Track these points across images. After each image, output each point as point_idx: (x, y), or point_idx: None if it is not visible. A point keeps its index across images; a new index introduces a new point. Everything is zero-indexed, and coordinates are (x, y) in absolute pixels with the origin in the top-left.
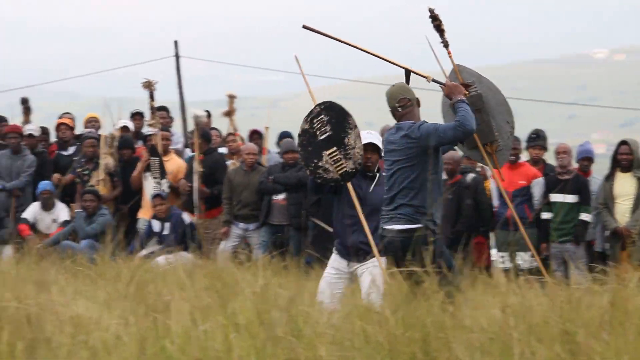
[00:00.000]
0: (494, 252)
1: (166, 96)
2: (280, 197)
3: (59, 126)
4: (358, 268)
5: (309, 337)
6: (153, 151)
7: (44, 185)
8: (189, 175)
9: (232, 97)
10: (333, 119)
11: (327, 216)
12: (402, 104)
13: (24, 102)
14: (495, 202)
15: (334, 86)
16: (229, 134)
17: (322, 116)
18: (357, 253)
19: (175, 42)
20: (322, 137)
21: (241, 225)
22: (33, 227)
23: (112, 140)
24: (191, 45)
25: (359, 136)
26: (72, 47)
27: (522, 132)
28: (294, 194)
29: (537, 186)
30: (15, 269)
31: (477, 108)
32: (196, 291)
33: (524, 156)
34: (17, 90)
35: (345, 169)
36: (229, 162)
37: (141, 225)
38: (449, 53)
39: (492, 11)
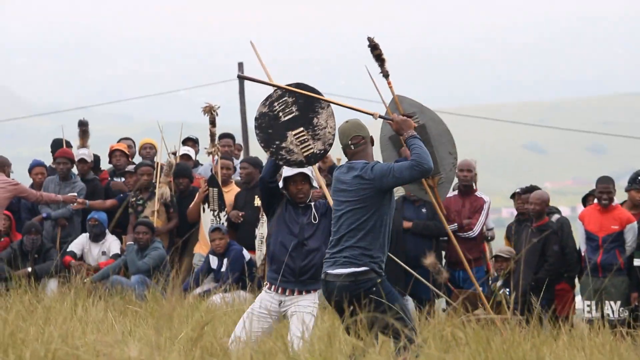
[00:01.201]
0: (578, 299)
1: (229, 121)
2: None
3: (113, 152)
4: (290, 307)
5: None
6: (212, 181)
7: (93, 213)
8: (246, 205)
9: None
10: (300, 99)
11: (398, 256)
12: (356, 141)
13: (82, 125)
14: (583, 246)
15: None
16: None
17: (284, 98)
18: (298, 280)
19: (240, 64)
20: (286, 118)
21: None
22: (80, 259)
23: (169, 169)
24: (256, 68)
25: (331, 115)
26: (131, 66)
27: (613, 169)
28: None
29: (631, 231)
30: (60, 305)
31: (421, 140)
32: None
33: (618, 197)
34: (68, 112)
35: (312, 150)
36: None
37: (197, 261)
38: (389, 83)
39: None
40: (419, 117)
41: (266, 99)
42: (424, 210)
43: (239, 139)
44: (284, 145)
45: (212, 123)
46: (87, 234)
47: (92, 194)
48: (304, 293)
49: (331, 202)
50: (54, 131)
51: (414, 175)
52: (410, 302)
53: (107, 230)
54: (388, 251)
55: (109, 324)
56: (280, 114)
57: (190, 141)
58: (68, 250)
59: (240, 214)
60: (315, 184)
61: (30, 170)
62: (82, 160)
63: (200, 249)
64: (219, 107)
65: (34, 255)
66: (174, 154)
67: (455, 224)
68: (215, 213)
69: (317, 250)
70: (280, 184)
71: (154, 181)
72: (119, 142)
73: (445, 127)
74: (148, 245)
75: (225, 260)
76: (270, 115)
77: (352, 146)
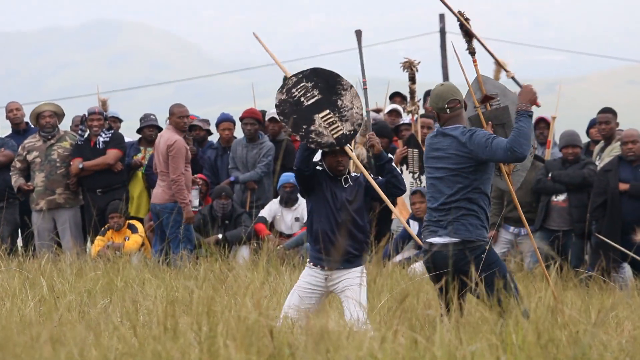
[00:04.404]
0: None
1: (429, 77)
2: (560, 198)
3: None
4: (338, 284)
5: None
6: (412, 141)
7: (287, 177)
8: None
9: (499, 65)
10: (320, 83)
11: (613, 220)
12: (452, 105)
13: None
14: None
15: (622, 69)
16: None
17: (302, 84)
18: (343, 259)
19: (441, 15)
20: (309, 102)
21: (512, 229)
22: (272, 226)
23: (365, 129)
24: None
25: (356, 96)
26: (324, 20)
27: None
28: (577, 195)
29: None
30: (252, 274)
31: (501, 122)
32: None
33: None
34: (258, 69)
35: (341, 132)
36: None
37: (395, 227)
38: (474, 62)
39: None
40: (500, 100)
41: (282, 87)
42: None
43: None
44: (312, 128)
45: (412, 79)
46: (279, 199)
47: (284, 155)
48: (350, 268)
49: (370, 179)
50: (244, 88)
51: (507, 160)
52: (627, 269)
53: (299, 195)
54: (604, 215)
55: None
56: (302, 98)
57: (399, 97)
58: (259, 215)
59: None
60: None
61: (217, 125)
62: (273, 120)
63: (400, 214)
64: (419, 63)
65: (224, 221)
66: (378, 111)
67: None
68: (415, 175)
69: (362, 227)
70: (318, 157)
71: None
72: None
73: None
74: None
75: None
76: (290, 102)
77: (448, 110)
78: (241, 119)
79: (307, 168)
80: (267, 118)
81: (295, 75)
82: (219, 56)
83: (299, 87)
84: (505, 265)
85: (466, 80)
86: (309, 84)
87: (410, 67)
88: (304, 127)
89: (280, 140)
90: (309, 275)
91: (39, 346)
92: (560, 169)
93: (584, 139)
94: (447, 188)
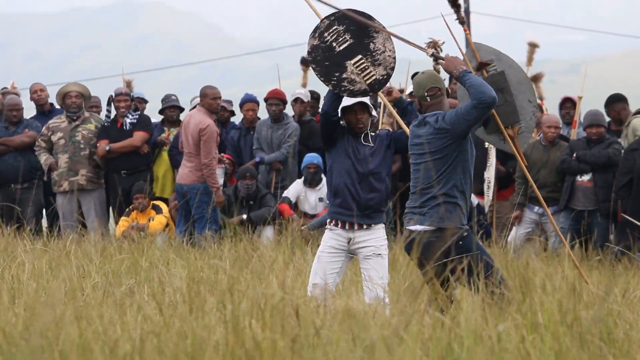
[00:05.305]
0: None
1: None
2: (585, 177)
3: None
4: (360, 248)
5: (622, 341)
6: None
7: (311, 158)
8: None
9: (533, 46)
10: (352, 26)
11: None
12: (432, 93)
13: (304, 62)
14: None
15: None
16: None
17: (335, 27)
18: (363, 213)
19: None
20: (341, 48)
21: (537, 209)
22: (296, 206)
23: (389, 110)
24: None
25: (388, 39)
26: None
27: None
28: (602, 175)
29: None
30: (276, 254)
31: (499, 87)
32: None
33: None
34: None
35: (374, 77)
36: None
37: None
38: (465, 31)
39: None
40: (496, 65)
41: (314, 31)
42: None
43: None
44: (344, 76)
45: (436, 60)
46: (302, 179)
47: (308, 136)
48: (372, 226)
49: (406, 129)
50: (268, 69)
51: (482, 110)
52: None
53: (323, 175)
54: (629, 195)
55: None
56: (334, 44)
57: None
58: (283, 196)
59: None
60: (374, 113)
61: (241, 106)
62: (298, 100)
63: None
64: (443, 43)
65: (249, 201)
66: (400, 91)
67: None
68: None
69: (382, 182)
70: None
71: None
72: None
73: (524, 74)
74: None
75: None
76: (323, 47)
77: (428, 98)
78: (266, 100)
79: (335, 112)
80: (291, 99)
81: (327, 17)
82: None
83: (330, 30)
84: (485, 250)
85: (459, 49)
86: (341, 27)
87: (435, 47)
88: (336, 74)
89: (305, 120)
90: (331, 239)
91: (64, 325)
92: (584, 149)
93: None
94: (427, 174)
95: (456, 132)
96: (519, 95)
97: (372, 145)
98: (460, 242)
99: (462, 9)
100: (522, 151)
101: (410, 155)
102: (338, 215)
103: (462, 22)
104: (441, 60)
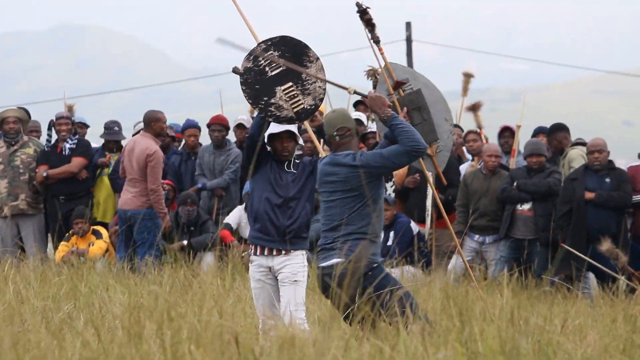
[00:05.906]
0: None
1: None
2: (525, 207)
3: None
4: (280, 271)
5: None
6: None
7: None
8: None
9: (468, 76)
10: (287, 53)
11: (579, 229)
12: (342, 133)
13: (235, 72)
14: None
15: (586, 78)
16: (470, 132)
17: (270, 52)
18: (283, 239)
19: (407, 23)
20: (273, 73)
21: (477, 237)
22: (237, 232)
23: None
24: (425, 28)
25: (321, 69)
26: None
27: None
28: (543, 204)
29: None
30: (217, 280)
31: (417, 106)
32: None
33: None
34: (224, 76)
35: (302, 106)
36: (466, 164)
37: None
38: (380, 50)
39: None
40: (412, 84)
41: (249, 54)
42: (607, 180)
43: None
44: (272, 101)
45: (376, 88)
46: (244, 206)
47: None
48: (291, 252)
49: (323, 154)
50: (209, 95)
51: (413, 159)
52: (592, 279)
53: None
54: (569, 224)
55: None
56: (267, 68)
57: (362, 105)
58: (224, 222)
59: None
60: (301, 141)
61: (183, 131)
62: (240, 126)
63: None
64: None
65: (190, 227)
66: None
67: None
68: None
69: (303, 208)
70: (265, 140)
71: None
72: None
73: (439, 94)
74: None
75: (391, 234)
76: (255, 70)
77: (337, 137)
78: (208, 126)
79: (260, 136)
80: (234, 125)
81: (264, 42)
82: (183, 61)
83: (266, 55)
84: (397, 282)
85: (380, 67)
86: (277, 53)
87: (374, 75)
88: (265, 98)
89: None
90: (255, 272)
91: (2, 351)
92: (525, 178)
93: None
94: (339, 211)
95: (378, 172)
96: (435, 114)
97: (295, 172)
98: (370, 273)
99: (376, 29)
100: (441, 170)
101: (321, 192)
102: (257, 240)
103: (376, 42)
104: (364, 97)
